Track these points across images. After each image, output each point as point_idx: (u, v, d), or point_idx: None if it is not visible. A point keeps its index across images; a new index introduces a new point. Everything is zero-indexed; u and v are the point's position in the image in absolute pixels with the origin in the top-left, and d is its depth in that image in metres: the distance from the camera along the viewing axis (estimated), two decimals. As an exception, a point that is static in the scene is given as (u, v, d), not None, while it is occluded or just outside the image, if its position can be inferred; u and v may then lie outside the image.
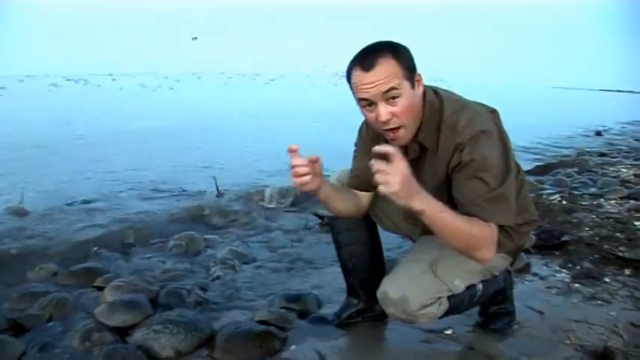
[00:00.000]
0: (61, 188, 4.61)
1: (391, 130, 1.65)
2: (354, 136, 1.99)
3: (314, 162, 1.60)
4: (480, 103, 1.79)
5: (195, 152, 6.33)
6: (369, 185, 1.89)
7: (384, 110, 1.60)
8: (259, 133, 7.53)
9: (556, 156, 7.24)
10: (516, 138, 8.77)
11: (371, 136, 1.88)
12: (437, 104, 1.69)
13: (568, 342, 2.05)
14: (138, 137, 7.12)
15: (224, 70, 18.07)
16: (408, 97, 1.61)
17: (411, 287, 1.70)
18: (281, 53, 28.48)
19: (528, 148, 8.06)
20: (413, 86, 1.63)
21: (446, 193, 1.70)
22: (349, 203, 1.92)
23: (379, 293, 1.78)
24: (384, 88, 1.58)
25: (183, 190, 4.62)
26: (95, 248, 3.18)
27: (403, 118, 1.63)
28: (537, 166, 6.20)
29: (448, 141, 1.65)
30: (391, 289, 1.73)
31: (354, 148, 1.98)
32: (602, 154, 7.47)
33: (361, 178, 1.92)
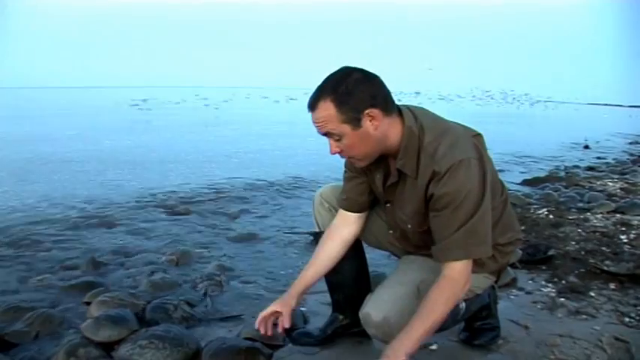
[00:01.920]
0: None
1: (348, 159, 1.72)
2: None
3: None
4: (463, 126, 1.78)
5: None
6: (360, 207, 1.95)
7: (332, 144, 1.66)
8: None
9: (544, 170, 7.30)
10: (504, 151, 8.90)
11: None
12: (416, 130, 1.67)
13: (552, 357, 2.06)
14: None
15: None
16: (350, 138, 1.62)
17: (393, 310, 1.70)
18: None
19: (516, 161, 8.14)
20: (357, 126, 1.61)
21: (426, 218, 1.71)
22: (331, 258, 1.98)
23: (361, 314, 1.78)
24: (323, 130, 1.63)
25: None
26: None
27: (351, 152, 1.67)
28: (525, 179, 6.26)
29: (427, 168, 1.64)
30: (373, 311, 1.73)
31: (344, 169, 1.97)
32: (590, 168, 7.56)
33: (352, 200, 1.94)
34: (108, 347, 2.10)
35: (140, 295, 2.64)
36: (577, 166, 7.72)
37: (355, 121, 1.61)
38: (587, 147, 10.35)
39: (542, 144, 10.29)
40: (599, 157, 8.98)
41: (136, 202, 4.84)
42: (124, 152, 8.04)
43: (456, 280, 1.63)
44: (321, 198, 2.09)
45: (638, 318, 2.41)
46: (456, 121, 1.80)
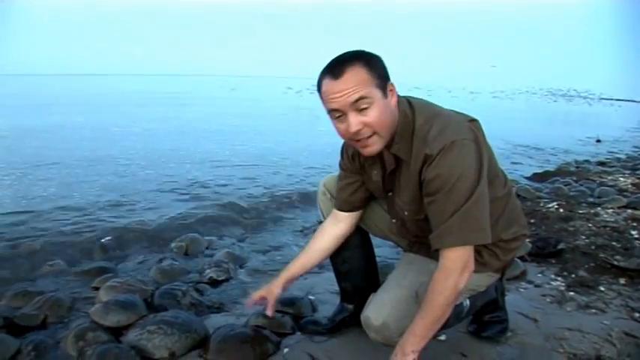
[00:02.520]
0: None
1: (362, 140, 1.58)
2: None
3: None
4: (458, 112, 1.71)
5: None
6: (351, 206, 1.95)
7: (354, 120, 1.53)
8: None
9: (555, 164, 7.25)
10: (514, 145, 8.83)
11: (351, 154, 1.86)
12: (409, 114, 1.62)
13: (561, 350, 2.05)
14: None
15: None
16: (380, 106, 1.54)
17: (392, 314, 1.67)
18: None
19: (527, 155, 8.09)
20: (385, 95, 1.56)
21: (422, 205, 1.65)
22: (320, 253, 2.01)
23: (362, 317, 1.76)
24: (354, 97, 1.51)
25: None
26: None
27: (375, 127, 1.56)
28: (535, 173, 6.22)
29: (419, 152, 1.58)
30: (373, 315, 1.71)
31: (339, 168, 1.95)
32: (601, 163, 7.50)
33: (342, 200, 1.94)
34: (116, 332, 2.11)
35: (149, 281, 2.65)
36: (588, 161, 7.66)
37: (384, 90, 1.55)
38: (598, 141, 10.29)
39: (554, 136, 10.22)
40: (610, 152, 8.92)
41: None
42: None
43: (450, 269, 1.55)
44: (324, 188, 2.08)
45: (648, 313, 2.39)
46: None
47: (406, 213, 1.75)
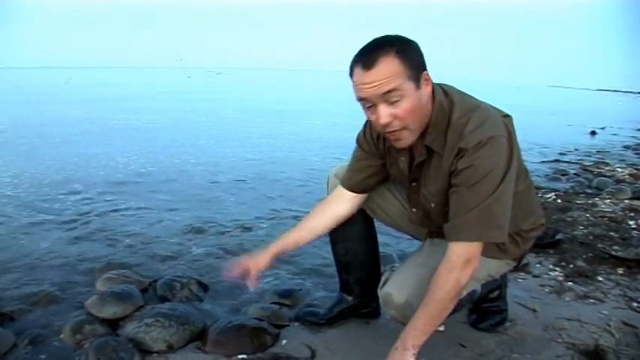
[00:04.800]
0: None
1: (394, 132, 1.54)
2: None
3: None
4: (493, 106, 1.66)
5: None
6: (363, 188, 1.89)
7: (384, 112, 1.49)
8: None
9: (552, 154, 7.25)
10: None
11: (374, 137, 1.79)
12: (446, 106, 1.57)
13: (560, 340, 2.05)
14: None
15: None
16: (412, 99, 1.48)
17: (416, 294, 1.62)
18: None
19: (525, 146, 8.08)
20: (418, 86, 1.50)
21: (447, 197, 1.61)
22: (317, 230, 1.93)
23: (382, 293, 1.72)
24: (384, 89, 1.45)
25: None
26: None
27: (405, 120, 1.50)
28: (533, 164, 6.21)
29: (453, 145, 1.53)
30: (396, 292, 1.67)
31: (356, 146, 1.88)
32: (599, 153, 7.50)
33: (356, 181, 1.87)
34: (114, 324, 2.10)
35: (146, 272, 2.64)
36: (586, 152, 7.67)
37: (417, 81, 1.49)
38: (593, 132, 10.30)
39: (551, 127, 10.21)
40: (608, 143, 8.92)
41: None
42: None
43: (454, 263, 1.52)
44: (335, 179, 2.00)
45: (646, 303, 2.39)
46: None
47: (432, 205, 1.70)
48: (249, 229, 3.52)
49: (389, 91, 1.46)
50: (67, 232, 3.34)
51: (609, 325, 2.17)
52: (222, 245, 3.15)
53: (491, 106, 1.65)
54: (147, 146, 6.90)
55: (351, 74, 1.52)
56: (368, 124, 1.80)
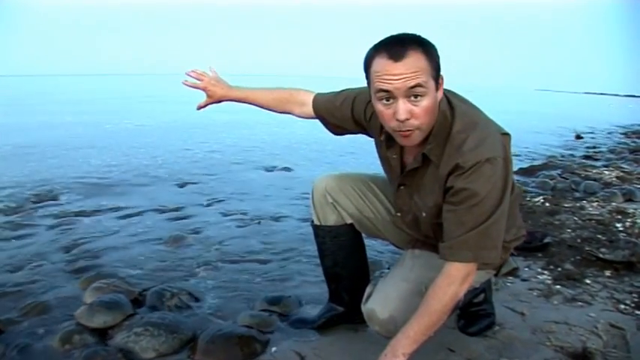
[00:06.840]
0: None
1: (405, 131, 1.50)
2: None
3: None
4: (493, 122, 1.64)
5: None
6: (327, 118, 1.92)
7: (403, 107, 1.44)
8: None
9: (539, 158, 7.30)
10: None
11: (368, 116, 1.78)
12: (448, 115, 1.55)
13: (548, 343, 2.07)
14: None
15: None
16: (431, 98, 1.46)
17: (399, 309, 1.65)
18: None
19: (512, 150, 8.13)
20: (437, 88, 1.48)
21: (440, 210, 1.61)
22: (280, 106, 2.01)
23: (366, 310, 1.73)
24: (412, 83, 1.41)
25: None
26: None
27: (422, 119, 1.47)
28: (521, 168, 6.26)
29: (450, 159, 1.52)
30: (379, 308, 1.69)
31: (348, 91, 1.87)
32: (586, 157, 7.57)
33: (327, 114, 1.91)
34: (103, 333, 2.09)
35: (135, 281, 2.63)
36: (573, 155, 7.74)
37: (436, 82, 1.48)
38: (579, 136, 10.41)
39: (539, 131, 10.28)
40: (595, 146, 9.01)
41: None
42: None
43: (454, 277, 1.54)
44: (325, 191, 1.98)
45: (633, 305, 2.41)
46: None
47: (424, 214, 1.70)
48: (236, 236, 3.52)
49: (415, 86, 1.42)
50: (52, 241, 3.32)
51: (597, 328, 2.19)
52: (209, 253, 3.15)
53: (491, 120, 1.64)
54: (149, 149, 6.87)
55: (371, 65, 1.48)
56: (369, 105, 1.73)
